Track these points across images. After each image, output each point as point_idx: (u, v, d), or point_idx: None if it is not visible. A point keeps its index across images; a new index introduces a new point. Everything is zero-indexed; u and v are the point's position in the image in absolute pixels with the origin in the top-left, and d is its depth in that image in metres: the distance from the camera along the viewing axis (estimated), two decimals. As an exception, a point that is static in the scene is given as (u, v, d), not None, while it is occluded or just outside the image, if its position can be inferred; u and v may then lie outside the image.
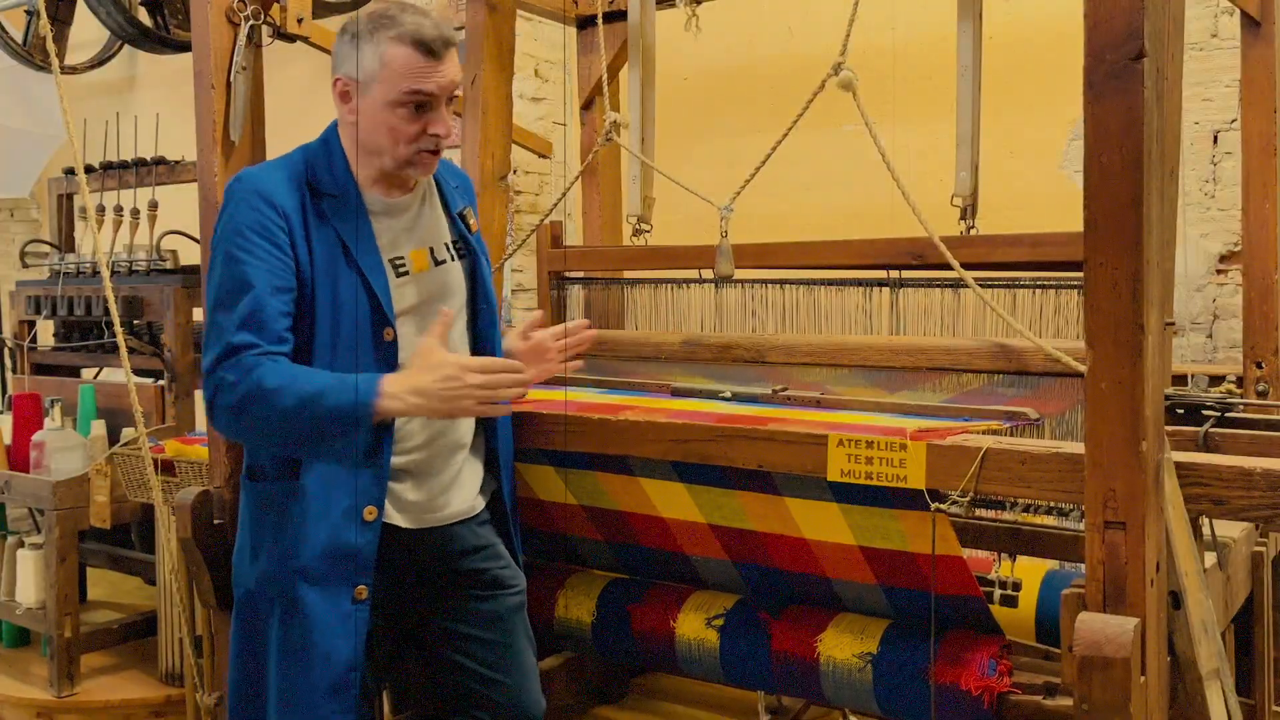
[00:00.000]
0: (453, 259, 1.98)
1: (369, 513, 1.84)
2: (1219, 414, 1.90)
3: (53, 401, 3.11)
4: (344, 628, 1.83)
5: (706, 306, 2.53)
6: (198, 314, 3.14)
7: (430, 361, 1.77)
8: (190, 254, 3.13)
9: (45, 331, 3.69)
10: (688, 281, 2.56)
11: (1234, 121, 3.14)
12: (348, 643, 1.83)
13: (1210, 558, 1.80)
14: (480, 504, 2.02)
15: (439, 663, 2.01)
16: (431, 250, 1.96)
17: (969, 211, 2.27)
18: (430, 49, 1.82)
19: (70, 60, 4.44)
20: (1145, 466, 1.49)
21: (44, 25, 3.81)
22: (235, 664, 1.94)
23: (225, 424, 1.82)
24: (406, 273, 1.91)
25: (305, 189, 1.86)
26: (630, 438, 1.98)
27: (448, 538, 1.96)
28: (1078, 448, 1.59)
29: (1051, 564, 2.13)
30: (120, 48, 4.57)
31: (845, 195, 3.54)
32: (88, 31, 4.47)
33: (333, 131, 1.93)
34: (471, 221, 2.06)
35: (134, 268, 3.30)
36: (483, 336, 2.02)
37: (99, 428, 3.12)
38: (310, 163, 1.89)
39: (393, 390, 1.75)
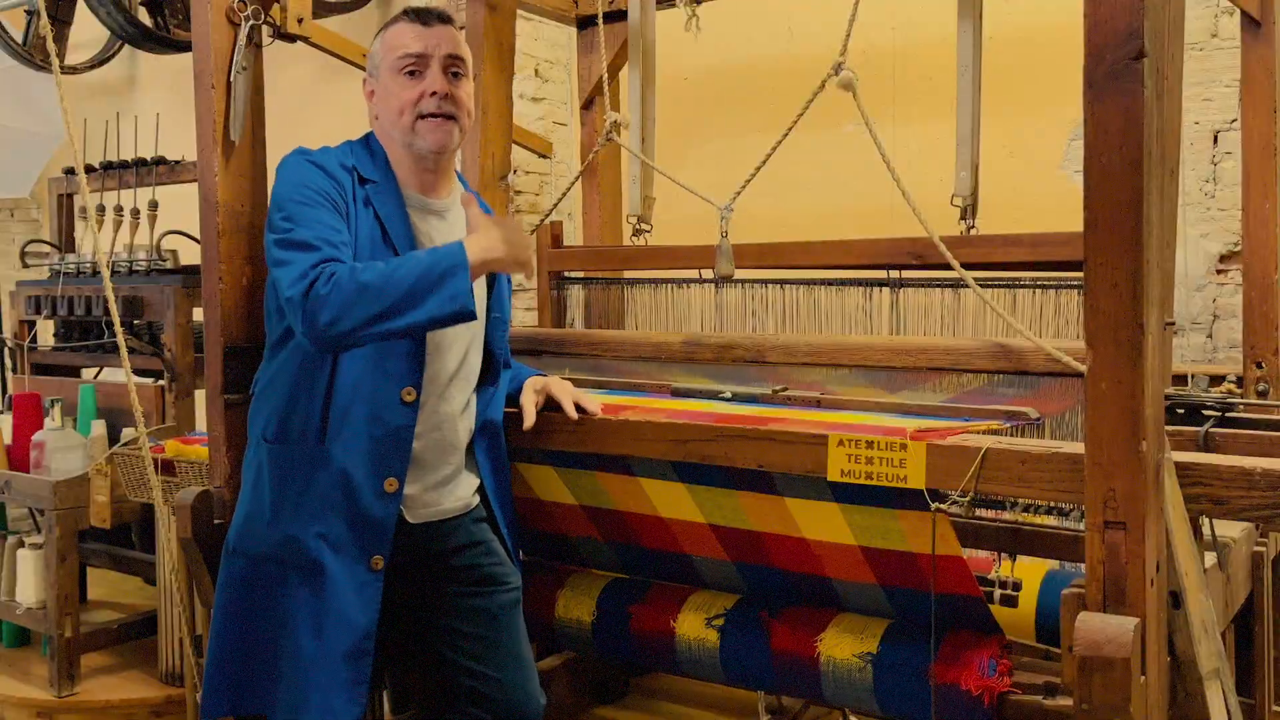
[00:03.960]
0: None
1: (390, 484, 1.87)
2: (1219, 414, 1.89)
3: (53, 401, 3.11)
4: (362, 595, 1.86)
5: (706, 306, 2.53)
6: (198, 314, 3.13)
7: (493, 222, 1.89)
8: (190, 254, 3.13)
9: (45, 331, 3.69)
10: (688, 281, 2.56)
11: (1234, 121, 3.14)
12: (365, 610, 1.86)
13: (1210, 558, 1.80)
14: (475, 501, 2.04)
15: (435, 660, 2.02)
16: None
17: (969, 211, 2.27)
18: (419, 17, 1.93)
19: (70, 60, 4.43)
20: (1145, 466, 1.49)
21: (44, 25, 3.81)
22: (225, 627, 1.94)
23: (322, 318, 1.75)
24: None
25: (353, 174, 1.92)
26: (630, 438, 1.98)
27: (442, 532, 1.98)
28: (1078, 448, 1.58)
29: (1051, 564, 2.13)
30: (120, 48, 4.57)
31: (845, 195, 3.54)
32: (88, 31, 4.47)
33: (372, 134, 2.01)
34: None
35: (134, 268, 3.29)
36: (494, 344, 2.06)
37: (99, 428, 3.12)
38: (354, 153, 1.96)
39: (472, 247, 1.82)
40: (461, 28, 2.04)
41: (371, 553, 1.87)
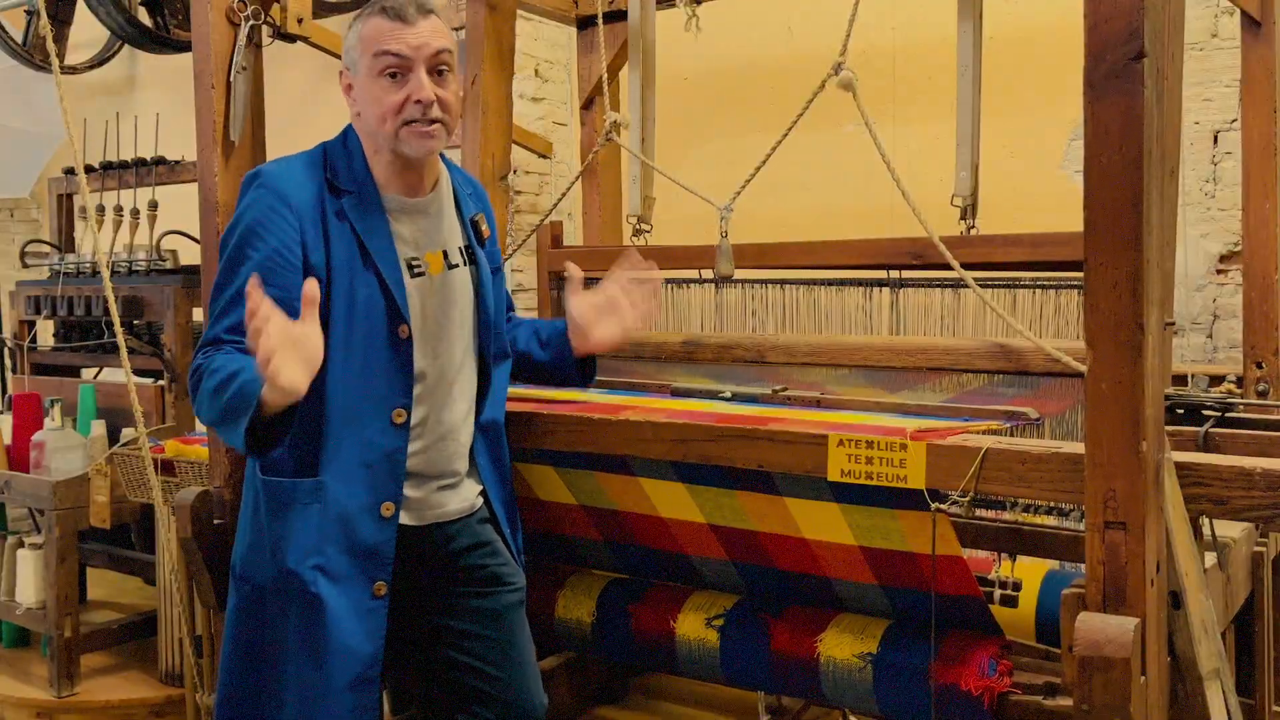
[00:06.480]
0: (463, 264, 2.00)
1: (386, 509, 1.86)
2: (1219, 414, 1.89)
3: (53, 401, 3.11)
4: (364, 624, 1.84)
5: (706, 306, 2.53)
6: (197, 314, 3.14)
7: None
8: (190, 254, 3.13)
9: (45, 331, 3.70)
10: (688, 281, 2.56)
11: (1234, 121, 3.14)
12: (369, 639, 1.84)
13: (1210, 558, 1.80)
14: (480, 502, 2.03)
15: (438, 661, 2.01)
16: (445, 253, 1.96)
17: (969, 211, 2.27)
18: (398, 13, 1.82)
19: (70, 60, 4.44)
20: (1145, 466, 1.49)
21: (44, 25, 3.81)
22: (233, 662, 1.93)
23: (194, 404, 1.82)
24: (422, 273, 1.92)
25: (324, 186, 1.86)
26: (630, 438, 1.97)
27: (448, 534, 1.97)
28: (1078, 448, 1.58)
29: (1051, 564, 2.13)
30: (120, 48, 4.57)
31: (845, 195, 3.54)
32: (88, 31, 4.47)
33: (350, 128, 1.94)
34: (484, 228, 2.06)
35: (134, 268, 3.30)
36: (482, 342, 2.02)
37: (99, 428, 3.12)
38: (330, 160, 1.90)
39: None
40: (460, 27, 2.00)
41: (374, 579, 1.85)
